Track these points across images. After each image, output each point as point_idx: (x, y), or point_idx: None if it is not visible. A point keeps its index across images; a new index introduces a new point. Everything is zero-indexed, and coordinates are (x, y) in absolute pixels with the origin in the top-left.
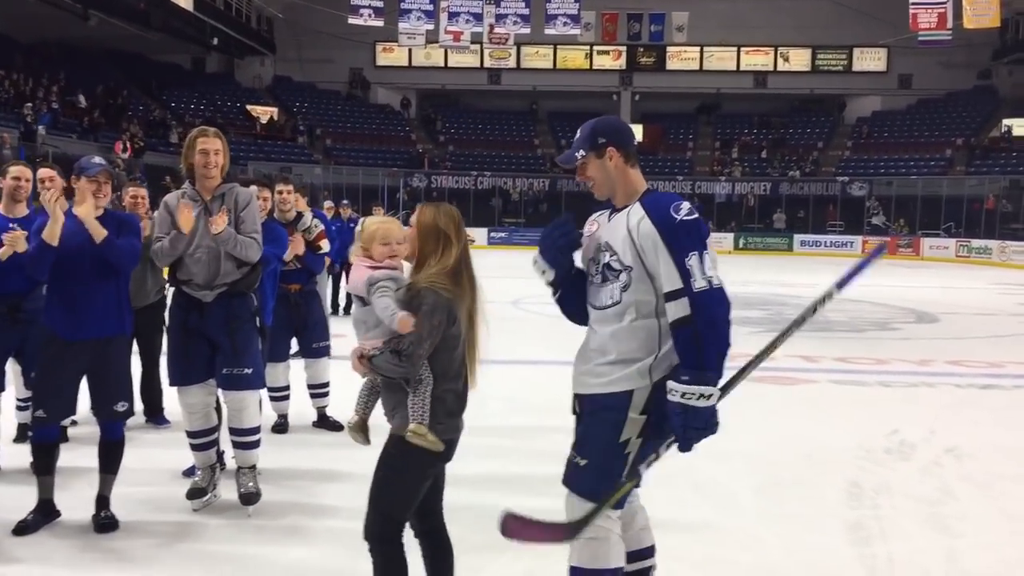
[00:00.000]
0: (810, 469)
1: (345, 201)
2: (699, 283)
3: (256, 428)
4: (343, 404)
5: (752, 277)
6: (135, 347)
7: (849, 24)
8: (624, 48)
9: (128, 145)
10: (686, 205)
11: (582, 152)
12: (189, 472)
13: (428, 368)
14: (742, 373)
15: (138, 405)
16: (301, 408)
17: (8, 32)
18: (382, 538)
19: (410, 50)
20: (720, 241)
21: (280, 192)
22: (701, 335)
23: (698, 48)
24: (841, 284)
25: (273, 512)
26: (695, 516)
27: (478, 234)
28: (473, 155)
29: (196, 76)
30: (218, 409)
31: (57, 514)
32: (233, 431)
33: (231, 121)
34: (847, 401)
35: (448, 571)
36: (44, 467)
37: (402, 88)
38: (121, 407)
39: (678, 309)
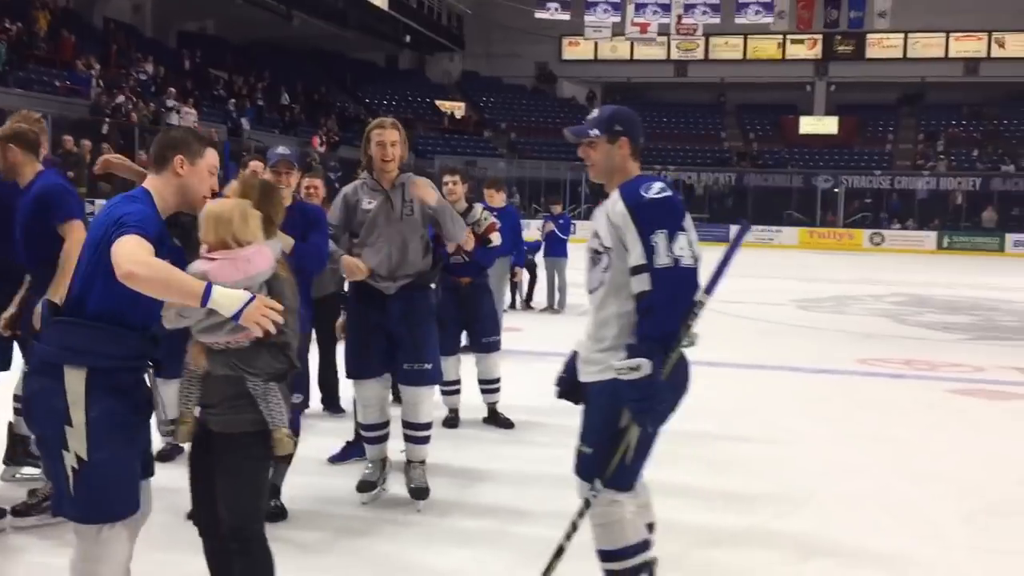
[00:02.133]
0: None
1: (514, 191)
2: (662, 260)
3: (430, 423)
4: (514, 400)
5: (959, 279)
6: (313, 335)
7: None
8: (820, 36)
9: (324, 139)
10: (658, 185)
11: (596, 132)
12: (336, 459)
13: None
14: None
15: (316, 393)
16: (472, 402)
17: (221, 34)
18: (254, 536)
19: (596, 43)
20: (922, 240)
21: (446, 183)
22: (654, 307)
23: (902, 34)
24: (709, 288)
25: (438, 509)
26: (890, 545)
27: None
28: (657, 148)
29: (389, 73)
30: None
31: None
32: (407, 425)
33: (420, 116)
34: None
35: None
36: None
37: (587, 82)
38: (296, 399)
39: (640, 284)
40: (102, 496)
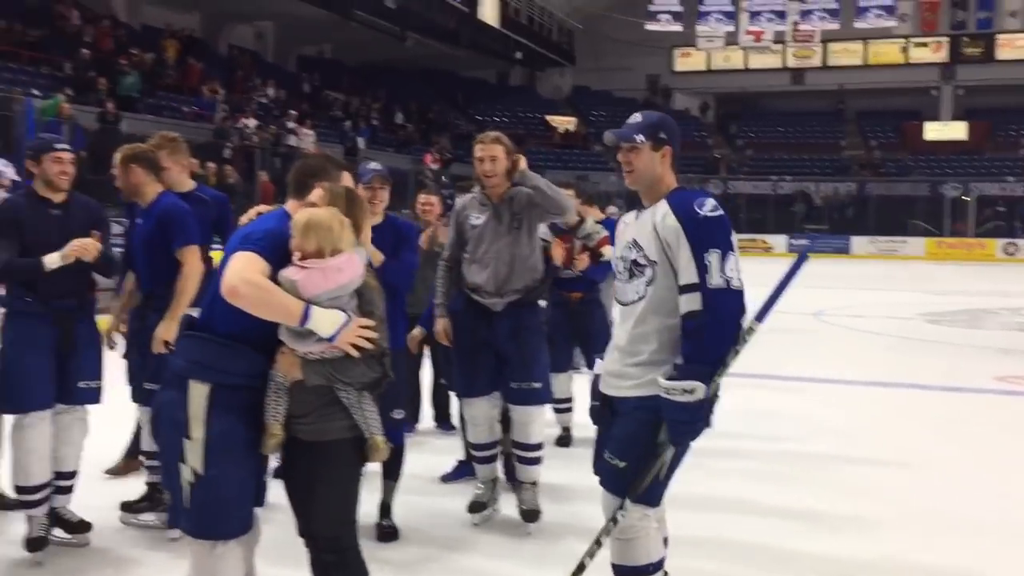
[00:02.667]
0: None
1: (620, 202)
2: (715, 280)
3: (540, 444)
4: None
5: None
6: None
7: None
8: (946, 39)
9: (436, 157)
10: (711, 202)
11: (641, 138)
12: (448, 477)
13: None
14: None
15: (430, 410)
16: (586, 420)
17: (338, 57)
18: (349, 546)
19: (708, 53)
20: None
21: None
22: (705, 329)
23: None
24: (761, 315)
25: (550, 532)
26: None
27: (777, 241)
28: (773, 159)
29: (500, 90)
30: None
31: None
32: (517, 445)
33: (531, 132)
34: None
35: None
36: None
37: (700, 93)
38: (397, 415)
39: (690, 303)
40: (215, 512)
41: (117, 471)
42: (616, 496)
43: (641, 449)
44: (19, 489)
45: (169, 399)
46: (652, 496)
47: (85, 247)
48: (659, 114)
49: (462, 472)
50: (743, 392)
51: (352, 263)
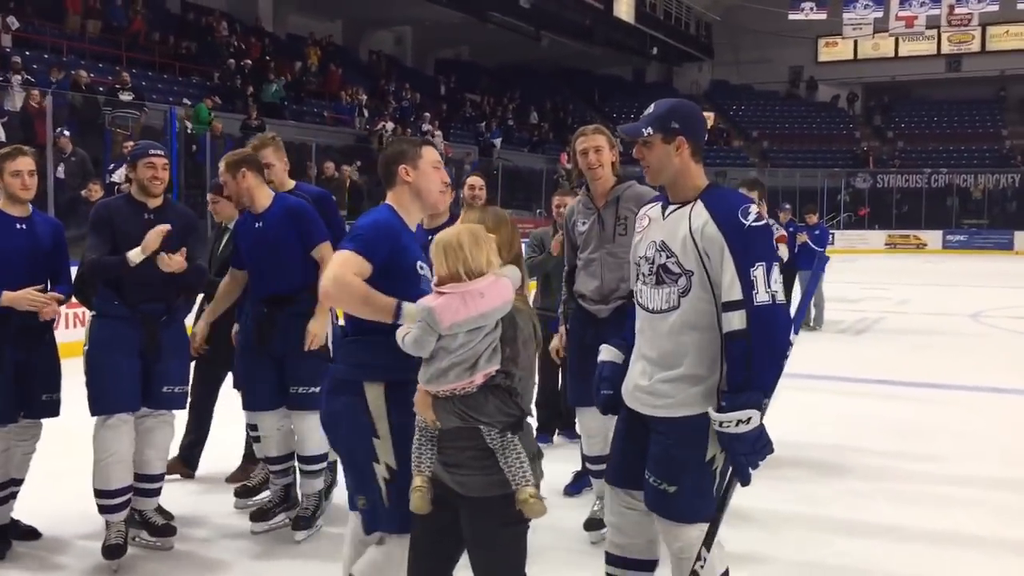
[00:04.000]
0: None
1: (787, 205)
2: (761, 296)
3: None
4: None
5: None
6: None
7: None
8: None
9: (570, 156)
10: (754, 209)
11: (650, 130)
12: (570, 489)
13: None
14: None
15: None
16: None
17: (475, 59)
18: None
19: (855, 42)
20: None
21: None
22: (754, 352)
23: None
24: (796, 329)
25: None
26: None
27: (931, 237)
28: (926, 151)
29: (636, 86)
30: None
31: None
32: None
33: None
34: None
35: None
36: None
37: (846, 83)
38: None
39: (734, 321)
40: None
41: (235, 478)
42: (671, 521)
43: (690, 470)
44: (98, 493)
45: (347, 406)
46: (709, 512)
47: (161, 232)
48: (674, 101)
49: (582, 483)
50: (891, 404)
51: (497, 288)
